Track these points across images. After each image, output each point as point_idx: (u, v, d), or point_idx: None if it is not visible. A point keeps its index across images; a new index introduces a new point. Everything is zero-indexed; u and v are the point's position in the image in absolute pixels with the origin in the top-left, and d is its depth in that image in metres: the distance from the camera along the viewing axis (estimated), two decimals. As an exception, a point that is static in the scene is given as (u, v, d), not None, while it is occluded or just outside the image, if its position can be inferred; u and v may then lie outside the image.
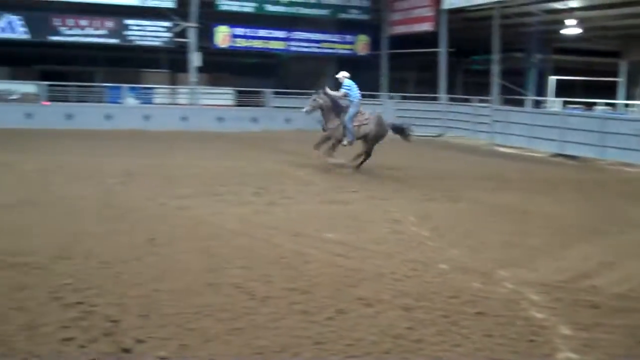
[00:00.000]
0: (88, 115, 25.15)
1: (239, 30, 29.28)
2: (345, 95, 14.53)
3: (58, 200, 10.15)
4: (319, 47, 30.34)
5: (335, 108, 14.54)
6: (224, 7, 28.27)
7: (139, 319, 5.19)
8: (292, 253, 7.40)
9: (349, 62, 23.90)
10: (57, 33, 26.89)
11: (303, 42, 30.25)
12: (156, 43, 28.20)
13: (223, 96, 29.21)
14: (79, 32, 27.10)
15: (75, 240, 7.59)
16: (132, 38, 27.82)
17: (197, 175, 13.33)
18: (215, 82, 30.12)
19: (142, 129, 24.32)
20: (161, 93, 29.06)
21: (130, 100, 27.51)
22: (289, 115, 26.77)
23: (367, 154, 14.74)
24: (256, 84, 29.43)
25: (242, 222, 9.01)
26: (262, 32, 29.63)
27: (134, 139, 21.32)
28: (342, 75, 14.72)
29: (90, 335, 4.83)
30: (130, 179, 12.49)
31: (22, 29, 26.38)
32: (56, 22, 26.87)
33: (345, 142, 14.56)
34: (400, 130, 15.32)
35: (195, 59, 27.26)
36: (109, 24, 27.47)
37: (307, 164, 15.11)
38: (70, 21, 26.94)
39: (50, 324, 5.00)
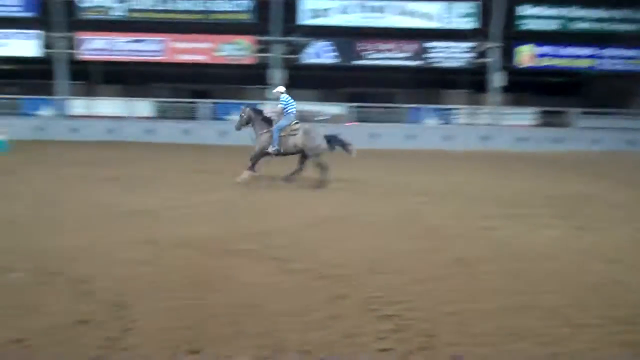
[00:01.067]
0: (390, 135, 26.22)
1: (542, 49, 28.49)
2: (282, 111, 14.72)
3: (364, 217, 10.71)
4: (627, 64, 28.37)
5: (265, 120, 14.92)
6: (527, 27, 27.78)
7: (453, 336, 5.29)
8: (608, 280, 6.99)
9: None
10: (362, 57, 28.45)
11: (611, 59, 28.50)
12: (457, 64, 28.52)
13: (524, 116, 28.63)
14: (383, 55, 28.36)
15: (385, 255, 7.97)
16: (433, 60, 28.43)
17: (499, 196, 13.22)
18: (516, 102, 29.65)
19: (442, 149, 24.69)
20: (461, 113, 29.23)
21: (431, 121, 28.05)
22: (596, 135, 25.39)
23: (320, 165, 14.53)
24: (558, 103, 28.44)
25: (550, 245, 8.83)
26: (567, 50, 28.46)
27: (434, 158, 21.75)
28: (279, 90, 15.11)
29: (406, 347, 5.03)
30: (433, 197, 12.79)
31: (331, 54, 28.29)
32: (361, 46, 28.45)
33: (270, 150, 14.59)
34: (337, 142, 15.00)
35: (498, 79, 27.08)
36: (411, 47, 28.39)
37: (618, 187, 14.15)
38: (374, 46, 28.32)
39: (367, 334, 5.30)
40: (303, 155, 14.80)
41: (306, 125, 15.14)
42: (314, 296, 6.35)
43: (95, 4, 28.64)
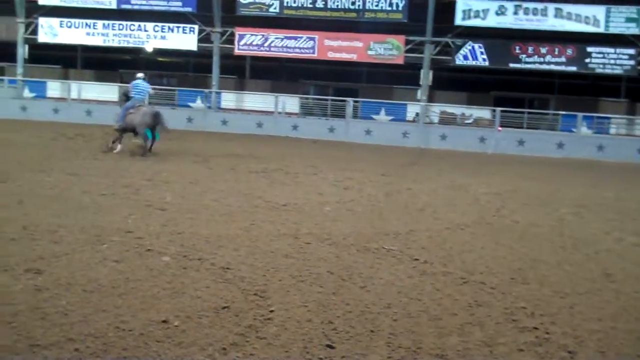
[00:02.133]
0: (539, 142, 25.39)
1: None
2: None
3: (510, 224, 10.50)
4: None
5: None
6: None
7: (596, 354, 5.07)
8: None
9: None
10: (517, 60, 27.72)
11: None
12: (616, 71, 27.15)
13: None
14: (538, 59, 27.51)
15: (530, 265, 7.81)
16: (593, 66, 27.23)
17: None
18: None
19: (594, 159, 23.63)
20: (617, 123, 27.86)
21: (584, 129, 26.93)
22: None
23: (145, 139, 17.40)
24: None
25: None
26: None
27: (586, 168, 20.87)
28: (138, 76, 18.83)
29: (545, 362, 4.86)
30: (583, 209, 12.34)
31: (482, 57, 27.76)
32: (517, 49, 27.69)
33: (115, 126, 17.84)
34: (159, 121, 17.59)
35: (660, 88, 25.62)
36: (570, 51, 27.33)
37: None
38: (530, 49, 27.50)
39: (506, 344, 5.20)
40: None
41: (145, 108, 18.11)
42: (454, 301, 6.27)
43: (255, 1, 29.67)
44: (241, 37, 29.96)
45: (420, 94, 29.14)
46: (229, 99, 31.07)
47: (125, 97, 18.48)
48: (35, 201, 10.10)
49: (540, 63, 27.65)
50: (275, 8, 29.57)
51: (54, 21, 31.22)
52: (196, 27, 30.26)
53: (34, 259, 6.88)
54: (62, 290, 6.00)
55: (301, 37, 29.68)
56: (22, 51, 31.69)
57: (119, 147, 17.56)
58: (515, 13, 27.59)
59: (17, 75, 31.72)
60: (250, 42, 29.97)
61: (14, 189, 11.11)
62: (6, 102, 28.95)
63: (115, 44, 31.27)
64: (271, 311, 5.73)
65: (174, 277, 6.57)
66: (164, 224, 8.92)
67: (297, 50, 29.79)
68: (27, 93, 31.62)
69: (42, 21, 31.28)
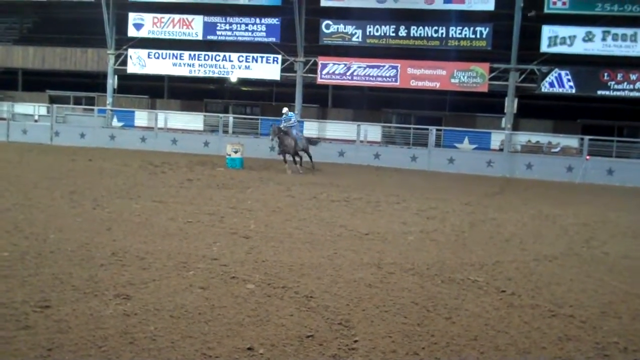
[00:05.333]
0: (629, 171, 24.67)
1: None
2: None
3: (600, 256, 10.24)
4: None
5: (285, 133, 22.68)
6: None
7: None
8: None
9: None
10: (605, 87, 27.04)
11: None
12: None
13: None
14: (628, 86, 26.77)
15: (621, 299, 7.62)
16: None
17: None
18: None
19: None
20: None
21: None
22: None
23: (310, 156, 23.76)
24: None
25: None
26: None
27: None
28: (285, 110, 23.77)
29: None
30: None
31: (569, 84, 27.19)
32: (605, 76, 27.02)
33: (299, 148, 23.02)
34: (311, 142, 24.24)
35: None
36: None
37: None
38: (619, 75, 26.80)
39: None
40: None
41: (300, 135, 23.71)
42: (542, 334, 6.13)
43: (337, 30, 30.02)
44: (324, 66, 30.31)
45: (505, 122, 28.69)
46: (311, 127, 31.39)
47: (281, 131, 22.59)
48: (124, 227, 10.43)
49: (630, 90, 26.84)
50: (358, 37, 29.83)
51: (143, 52, 32.36)
52: (280, 57, 30.81)
53: (123, 284, 7.10)
54: (150, 315, 6.16)
55: (384, 66, 29.80)
56: (112, 82, 32.96)
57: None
58: (604, 39, 26.94)
59: (107, 105, 32.98)
60: (332, 71, 30.29)
61: (103, 215, 11.51)
62: (96, 131, 30.12)
63: (201, 74, 32.13)
64: (355, 341, 5.73)
65: (259, 304, 6.65)
66: (248, 252, 9.06)
67: (380, 78, 29.89)
68: (115, 122, 32.81)
69: (132, 52, 32.48)
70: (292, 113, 23.91)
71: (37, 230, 9.89)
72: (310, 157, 23.58)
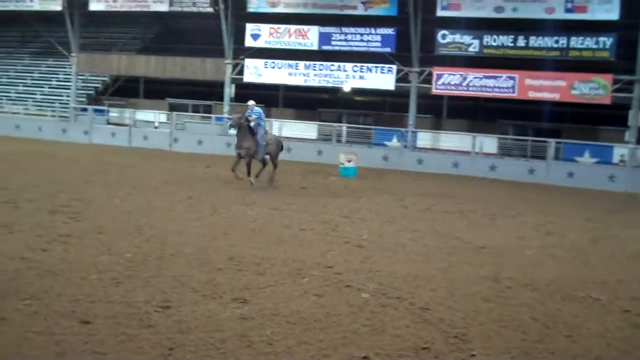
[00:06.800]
0: None
1: None
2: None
3: None
4: None
5: (250, 129, 17.58)
6: None
7: None
8: None
9: None
10: None
11: None
12: None
13: None
14: None
15: None
16: None
17: None
18: None
19: None
20: None
21: None
22: None
23: (275, 166, 18.65)
24: None
25: None
26: None
27: None
28: (251, 103, 18.33)
29: None
30: None
31: None
32: None
33: (258, 158, 17.82)
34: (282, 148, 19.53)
35: None
36: None
37: None
38: None
39: None
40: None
41: (274, 135, 19.68)
42: (670, 358, 5.84)
43: (454, 40, 29.69)
44: (439, 76, 30.00)
45: (629, 135, 27.43)
46: (425, 138, 31.11)
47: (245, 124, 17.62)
48: (240, 233, 10.69)
49: None
50: (474, 47, 29.35)
51: (259, 62, 33.07)
52: (394, 67, 30.75)
53: (240, 288, 7.27)
54: (266, 320, 6.28)
55: (501, 77, 29.16)
56: (229, 90, 33.87)
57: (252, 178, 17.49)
58: None
59: (224, 113, 33.89)
60: (448, 81, 29.92)
61: (220, 221, 11.83)
62: (213, 139, 30.96)
63: (316, 84, 32.52)
64: (472, 355, 5.64)
65: (373, 314, 6.65)
66: (362, 261, 9.08)
67: (496, 89, 29.26)
68: (231, 131, 33.65)
69: (248, 62, 33.24)
70: (257, 108, 18.34)
71: (158, 233, 10.29)
72: (275, 165, 18.69)
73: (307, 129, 32.00)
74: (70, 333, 5.64)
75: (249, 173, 17.37)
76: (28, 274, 7.39)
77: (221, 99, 34.65)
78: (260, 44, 32.97)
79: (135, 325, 5.91)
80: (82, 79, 37.76)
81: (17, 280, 7.07)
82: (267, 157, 18.36)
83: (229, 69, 33.78)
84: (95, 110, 34.71)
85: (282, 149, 19.52)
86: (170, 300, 6.67)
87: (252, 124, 17.63)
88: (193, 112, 37.83)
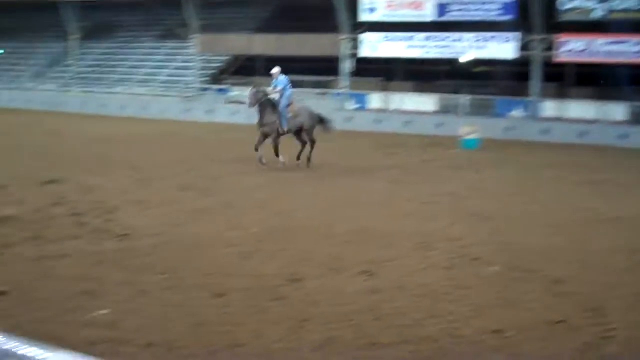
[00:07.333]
0: None
1: None
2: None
3: None
4: None
5: (272, 103, 15.59)
6: None
7: None
8: None
9: None
10: None
11: None
12: None
13: None
14: None
15: None
16: None
17: None
18: None
19: None
20: None
21: None
22: None
23: (312, 143, 15.84)
24: None
25: None
26: None
27: None
28: (276, 71, 16.18)
29: None
30: None
31: None
32: None
33: (284, 131, 15.61)
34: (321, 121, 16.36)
35: None
36: None
37: None
38: None
39: None
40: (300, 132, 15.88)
41: (304, 106, 16.92)
42: None
43: (576, 5, 28.39)
44: (562, 43, 28.74)
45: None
46: (549, 107, 29.96)
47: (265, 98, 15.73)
48: (362, 207, 10.70)
49: None
50: (599, 12, 27.92)
51: (376, 36, 32.80)
52: (516, 35, 29.73)
53: (366, 261, 7.26)
54: (394, 293, 6.25)
55: (629, 41, 27.64)
56: (346, 65, 33.88)
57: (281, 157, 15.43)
58: None
59: (341, 89, 33.96)
60: (572, 48, 28.63)
61: (341, 194, 11.89)
62: (331, 114, 31.11)
63: (434, 55, 31.98)
64: (612, 329, 5.39)
65: (504, 287, 6.50)
66: (489, 234, 8.89)
67: (624, 55, 27.77)
68: (350, 105, 33.66)
69: (365, 36, 33.10)
70: (283, 77, 16.13)
71: (283, 207, 10.47)
72: (310, 141, 15.91)
73: (425, 102, 31.52)
74: (205, 305, 5.81)
75: (276, 152, 15.36)
76: (163, 248, 7.68)
77: (338, 74, 34.74)
78: (375, 17, 32.71)
79: (267, 297, 6.02)
80: (203, 60, 38.81)
81: (152, 255, 7.35)
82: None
83: (344, 43, 33.77)
84: (217, 90, 35.64)
85: (322, 122, 16.48)
86: (299, 274, 6.75)
87: (274, 96, 15.68)
88: (311, 88, 38.14)
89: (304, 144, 15.83)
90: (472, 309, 5.84)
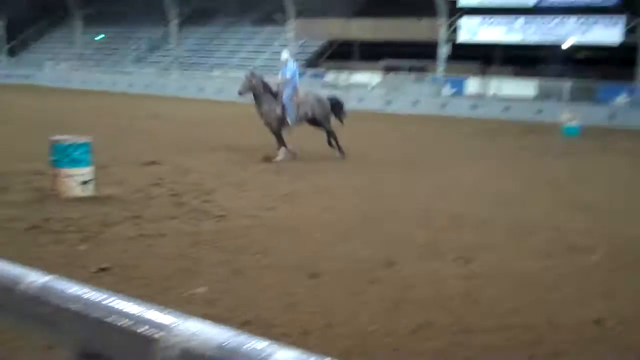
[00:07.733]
0: None
1: None
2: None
3: None
4: None
5: (270, 90, 13.72)
6: None
7: None
8: None
9: None
10: None
11: None
12: None
13: None
14: None
15: None
16: None
17: None
18: None
19: None
20: None
21: None
22: None
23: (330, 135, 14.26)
24: None
25: None
26: None
27: None
28: (285, 58, 14.27)
29: None
30: None
31: None
32: None
33: (292, 123, 13.79)
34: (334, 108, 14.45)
35: None
36: None
37: None
38: None
39: None
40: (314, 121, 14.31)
41: (311, 93, 14.86)
42: None
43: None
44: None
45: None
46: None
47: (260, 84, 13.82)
48: (459, 193, 10.60)
49: None
50: None
51: (474, 21, 32.33)
52: (621, 18, 28.61)
53: (462, 248, 7.20)
54: (491, 279, 6.19)
55: None
56: (444, 50, 33.48)
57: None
58: None
59: (438, 73, 33.61)
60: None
61: (437, 181, 11.81)
62: (428, 100, 30.84)
63: (535, 41, 31.19)
64: None
65: (605, 277, 6.33)
66: (590, 222, 8.65)
67: None
68: (446, 90, 33.23)
69: (463, 21, 32.64)
70: (292, 63, 14.38)
71: (376, 192, 10.52)
72: (330, 134, 14.39)
73: (525, 87, 30.80)
74: (300, 286, 5.90)
75: (279, 144, 13.88)
76: (257, 230, 7.83)
77: (436, 58, 34.35)
78: (474, 3, 32.17)
79: (361, 280, 6.06)
80: (300, 45, 39.10)
81: (247, 237, 7.50)
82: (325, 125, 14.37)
83: (443, 28, 33.36)
84: (313, 75, 35.84)
85: (339, 109, 14.75)
86: (394, 258, 6.76)
87: (273, 85, 13.92)
88: (407, 72, 37.84)
89: (328, 135, 14.34)
90: (572, 298, 5.71)
